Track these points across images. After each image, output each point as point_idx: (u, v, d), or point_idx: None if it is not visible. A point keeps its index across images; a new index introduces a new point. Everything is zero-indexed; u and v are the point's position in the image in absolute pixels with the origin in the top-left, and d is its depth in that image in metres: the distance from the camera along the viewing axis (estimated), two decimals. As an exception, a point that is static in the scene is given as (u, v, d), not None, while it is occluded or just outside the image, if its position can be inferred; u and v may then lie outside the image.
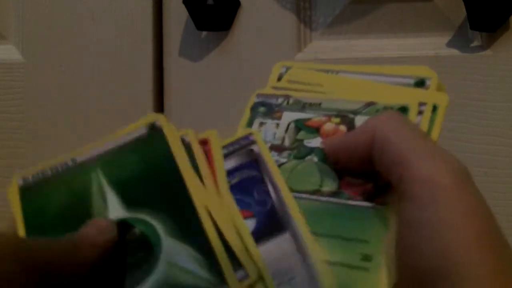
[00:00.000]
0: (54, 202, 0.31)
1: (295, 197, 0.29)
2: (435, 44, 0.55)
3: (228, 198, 0.29)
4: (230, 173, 0.30)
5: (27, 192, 0.31)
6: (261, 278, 0.26)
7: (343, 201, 0.28)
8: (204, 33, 0.57)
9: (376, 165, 0.27)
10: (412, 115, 0.30)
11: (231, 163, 0.31)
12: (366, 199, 0.28)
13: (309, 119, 0.32)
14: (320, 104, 0.32)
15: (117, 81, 0.57)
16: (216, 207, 0.29)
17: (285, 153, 0.31)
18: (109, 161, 0.32)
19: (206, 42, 0.57)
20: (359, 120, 0.30)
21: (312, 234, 0.27)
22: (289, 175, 0.30)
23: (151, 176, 0.31)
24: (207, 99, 0.56)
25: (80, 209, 0.30)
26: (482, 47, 0.54)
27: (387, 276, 0.26)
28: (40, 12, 0.58)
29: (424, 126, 0.30)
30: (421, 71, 0.32)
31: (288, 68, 0.35)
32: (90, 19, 0.57)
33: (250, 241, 0.27)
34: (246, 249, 0.27)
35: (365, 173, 0.28)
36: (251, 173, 0.30)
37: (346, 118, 0.31)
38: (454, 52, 0.54)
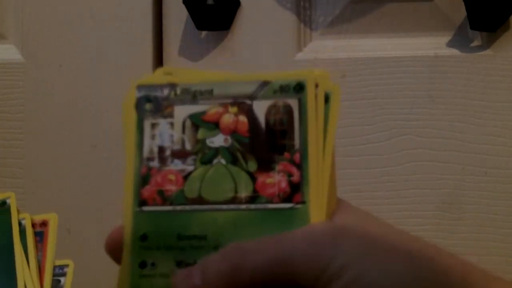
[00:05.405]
0: None
1: (212, 209, 0.28)
2: (435, 44, 0.55)
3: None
4: None
5: None
6: None
7: (262, 206, 0.28)
8: (204, 33, 0.57)
9: None
10: (310, 93, 0.29)
11: None
12: (284, 199, 0.28)
13: (204, 112, 0.30)
14: (212, 90, 0.30)
15: (117, 81, 0.57)
16: None
17: (190, 159, 0.29)
18: None
19: (206, 42, 0.57)
20: (258, 106, 0.29)
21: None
22: (201, 185, 0.29)
23: None
24: (207, 99, 0.56)
25: None
26: (482, 47, 0.54)
27: None
28: (40, 12, 0.58)
29: (320, 116, 0.28)
30: (301, 74, 0.30)
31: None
32: (90, 19, 0.57)
33: None
34: None
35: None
36: None
37: (244, 106, 0.29)
38: (454, 52, 0.54)
